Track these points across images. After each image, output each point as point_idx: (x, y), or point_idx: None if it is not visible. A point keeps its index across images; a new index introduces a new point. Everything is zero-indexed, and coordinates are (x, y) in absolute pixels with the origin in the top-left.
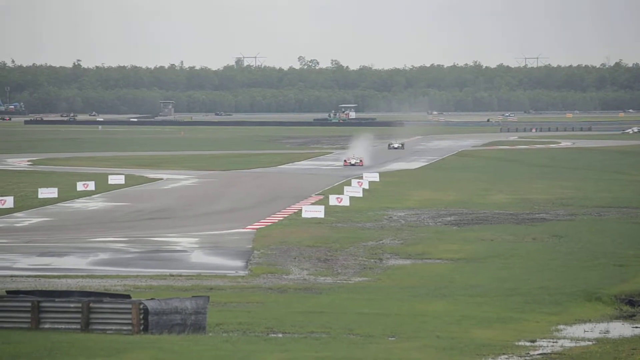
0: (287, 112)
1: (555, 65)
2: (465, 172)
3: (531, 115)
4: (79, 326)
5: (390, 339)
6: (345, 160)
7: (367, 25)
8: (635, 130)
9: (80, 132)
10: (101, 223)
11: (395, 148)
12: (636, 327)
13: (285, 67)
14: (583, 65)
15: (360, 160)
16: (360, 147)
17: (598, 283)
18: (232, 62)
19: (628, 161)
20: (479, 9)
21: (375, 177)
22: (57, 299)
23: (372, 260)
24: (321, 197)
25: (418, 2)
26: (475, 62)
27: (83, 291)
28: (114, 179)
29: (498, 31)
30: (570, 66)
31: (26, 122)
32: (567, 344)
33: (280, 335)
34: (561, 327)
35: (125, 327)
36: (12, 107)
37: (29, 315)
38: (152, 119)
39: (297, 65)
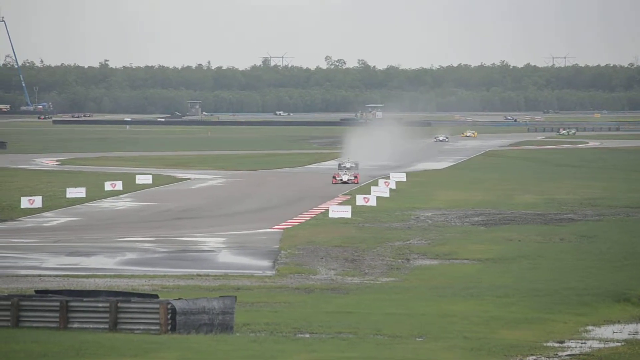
0: (314, 112)
1: (583, 65)
2: (493, 172)
3: (559, 115)
4: (107, 326)
5: (417, 339)
6: (334, 177)
7: (394, 25)
8: (442, 138)
9: (107, 132)
10: (129, 223)
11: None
12: None
13: (312, 67)
14: (611, 65)
15: (356, 177)
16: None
17: (626, 284)
18: (259, 62)
19: None
20: (506, 8)
21: (402, 177)
22: (85, 299)
23: (400, 260)
24: (348, 197)
25: (446, 2)
26: (503, 61)
27: (111, 291)
28: (141, 179)
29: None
30: (598, 66)
31: (55, 122)
32: (596, 345)
33: (307, 335)
34: (590, 328)
35: (153, 327)
36: (41, 106)
37: (57, 314)
38: (179, 119)
39: (324, 65)
